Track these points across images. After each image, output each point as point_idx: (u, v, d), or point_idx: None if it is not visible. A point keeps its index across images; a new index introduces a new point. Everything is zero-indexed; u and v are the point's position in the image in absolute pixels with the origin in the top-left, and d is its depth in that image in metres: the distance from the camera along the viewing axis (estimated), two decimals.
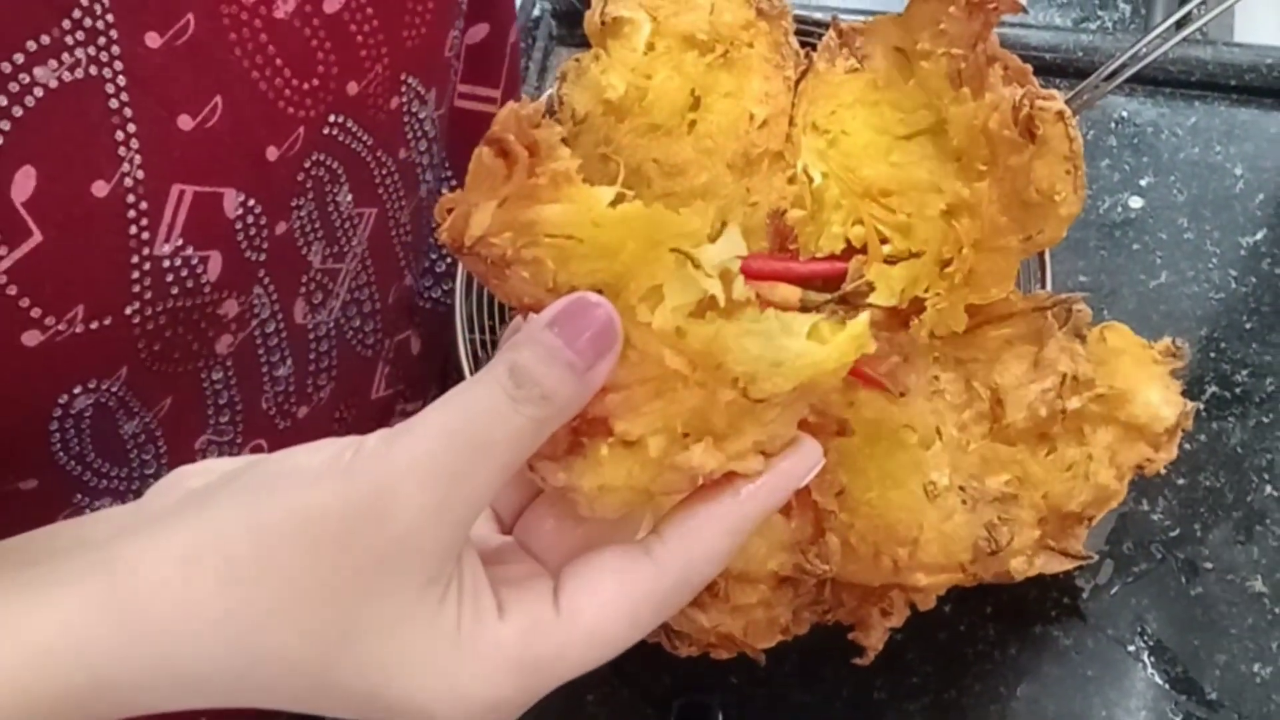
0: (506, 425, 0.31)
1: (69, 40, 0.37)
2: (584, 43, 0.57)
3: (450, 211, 0.32)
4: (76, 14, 0.37)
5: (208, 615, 0.30)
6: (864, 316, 0.34)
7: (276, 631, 0.30)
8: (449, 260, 0.62)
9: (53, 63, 0.37)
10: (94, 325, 0.41)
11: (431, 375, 0.65)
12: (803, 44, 0.58)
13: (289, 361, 0.52)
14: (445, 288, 0.63)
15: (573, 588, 0.33)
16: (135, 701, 0.31)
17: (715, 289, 0.33)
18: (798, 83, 0.58)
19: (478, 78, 0.63)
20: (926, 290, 0.54)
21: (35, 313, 0.39)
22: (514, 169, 0.32)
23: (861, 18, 0.57)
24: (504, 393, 0.31)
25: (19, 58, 0.36)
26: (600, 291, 0.32)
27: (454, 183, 0.62)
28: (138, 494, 0.49)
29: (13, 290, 0.38)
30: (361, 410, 0.59)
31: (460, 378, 0.57)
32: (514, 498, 0.37)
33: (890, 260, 0.55)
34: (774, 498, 0.35)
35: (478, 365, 0.56)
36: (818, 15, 0.60)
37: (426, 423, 0.31)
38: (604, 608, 0.32)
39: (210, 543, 0.30)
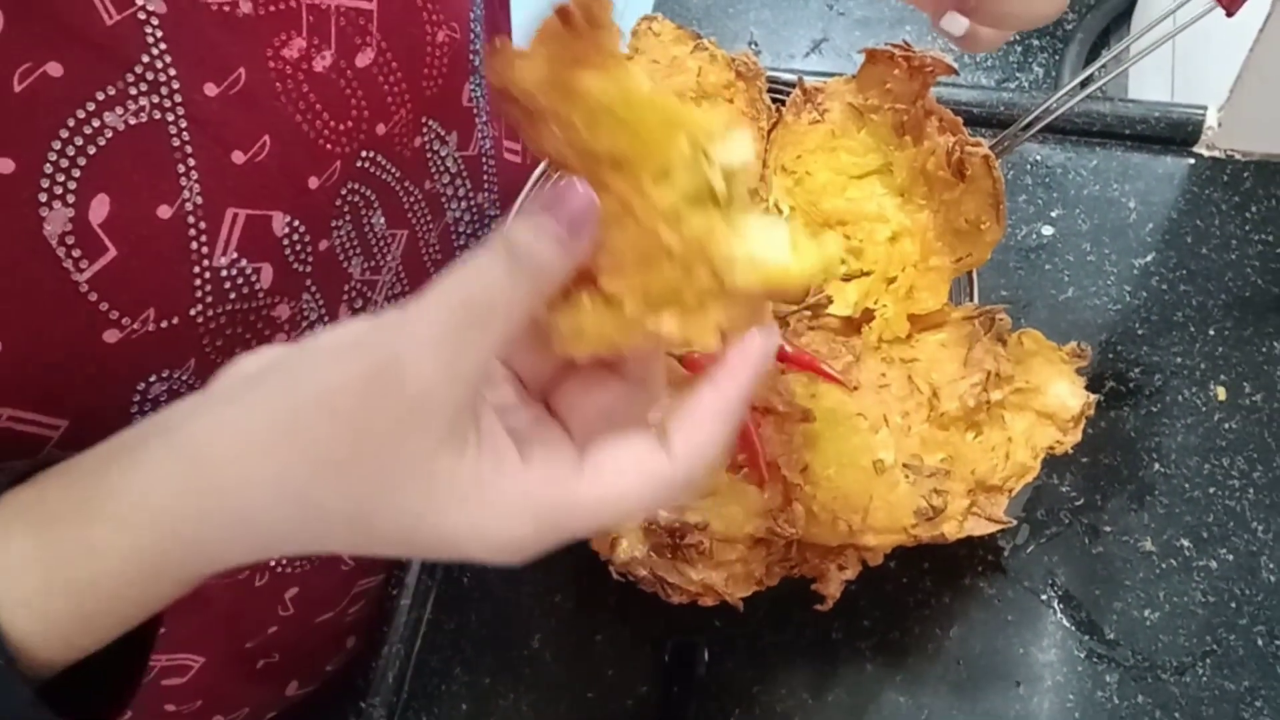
0: (505, 292, 0.29)
1: (133, 90, 0.37)
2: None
3: (500, 53, 0.31)
4: (139, 69, 0.37)
5: (263, 479, 0.29)
6: (838, 240, 0.32)
7: (319, 490, 0.29)
8: None
9: (119, 109, 0.37)
10: (164, 325, 0.41)
11: None
12: (774, 100, 0.59)
13: None
14: None
15: (596, 454, 0.32)
16: (215, 556, 0.31)
17: (718, 182, 0.31)
18: (769, 132, 0.58)
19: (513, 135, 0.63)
20: (875, 302, 0.55)
21: (113, 315, 0.39)
22: (573, 35, 0.30)
23: (822, 79, 0.58)
24: (502, 265, 0.29)
25: (90, 105, 0.36)
26: (618, 162, 0.31)
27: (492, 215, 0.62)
28: None
29: (93, 296, 0.38)
30: None
31: None
32: (545, 369, 0.34)
33: (846, 278, 0.55)
34: (748, 379, 0.33)
35: None
36: (786, 76, 0.60)
37: (433, 297, 0.29)
38: (622, 476, 0.31)
39: (259, 420, 0.29)
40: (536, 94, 0.31)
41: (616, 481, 0.31)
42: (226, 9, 0.40)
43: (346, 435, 0.29)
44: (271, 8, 0.41)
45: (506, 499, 0.30)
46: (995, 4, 0.43)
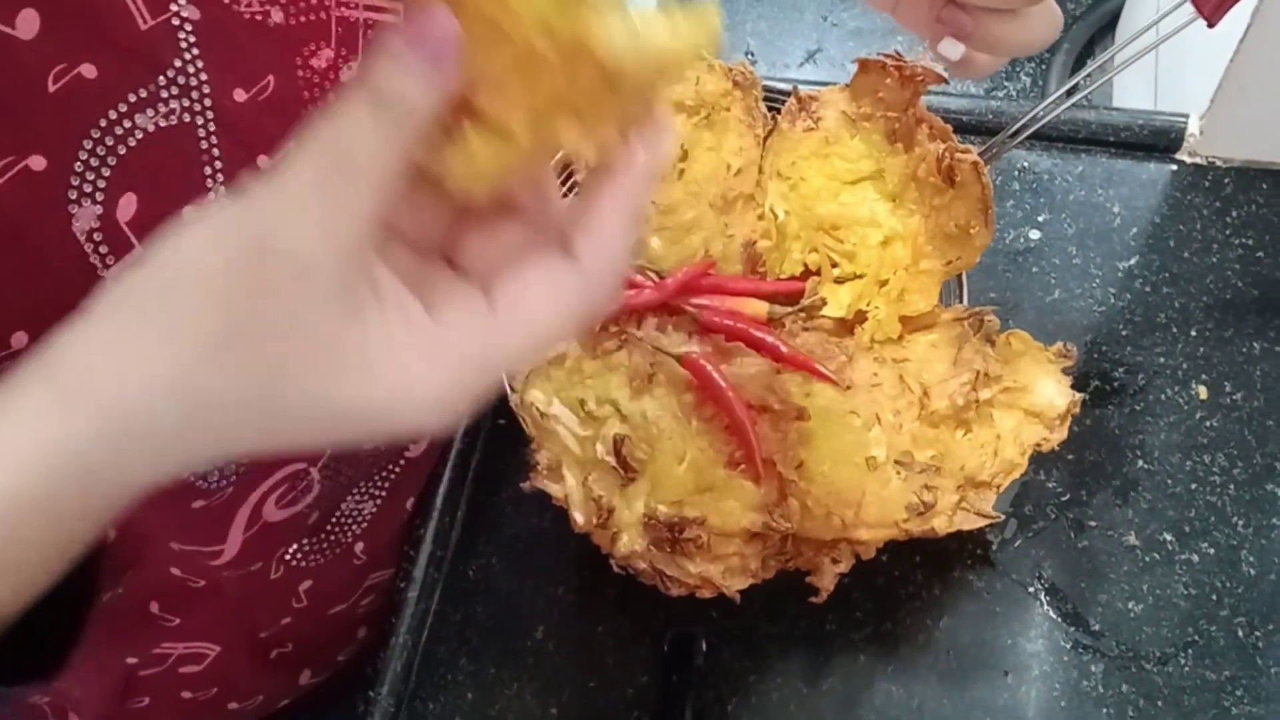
0: (373, 138, 0.27)
1: (164, 94, 0.37)
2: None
3: None
4: (170, 73, 0.37)
5: (148, 384, 0.27)
6: (716, 11, 0.30)
7: (212, 381, 0.27)
8: None
9: (150, 111, 0.37)
10: None
11: None
12: (770, 108, 0.59)
13: None
14: None
15: (505, 288, 0.29)
16: (119, 479, 0.28)
17: None
18: (765, 139, 0.58)
19: None
20: (868, 304, 0.55)
21: None
22: None
23: (816, 88, 0.58)
24: (365, 110, 0.27)
25: (122, 107, 0.36)
26: None
27: None
28: (228, 463, 0.49)
29: None
30: None
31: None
32: (435, 227, 0.32)
33: (839, 281, 0.55)
34: (650, 179, 0.30)
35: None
36: (781, 85, 0.60)
37: (298, 157, 0.27)
38: (536, 301, 0.29)
39: (135, 326, 0.27)
40: None
41: (530, 305, 0.29)
42: (259, 18, 0.40)
43: (230, 315, 0.26)
44: (302, 18, 0.41)
45: (422, 354, 0.28)
46: (991, 31, 0.43)
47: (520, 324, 0.29)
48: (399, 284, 0.29)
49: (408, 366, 0.28)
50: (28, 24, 0.33)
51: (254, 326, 0.26)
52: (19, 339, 0.36)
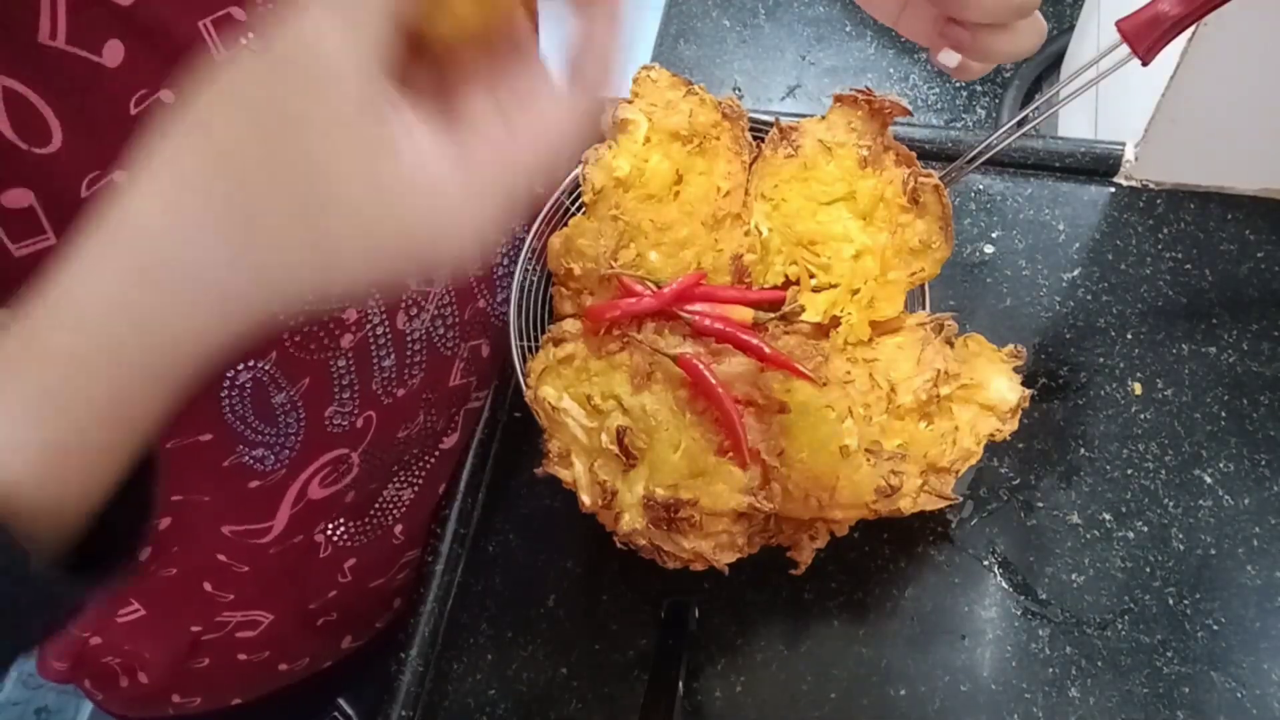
0: None
1: None
2: (600, 137, 0.58)
3: None
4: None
5: (197, 219, 0.25)
6: None
7: (258, 205, 0.25)
8: (508, 289, 0.63)
9: None
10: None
11: (494, 371, 0.65)
12: (755, 137, 0.59)
13: (392, 356, 0.51)
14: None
15: (518, 105, 0.28)
16: (179, 334, 0.26)
17: None
18: (751, 165, 0.58)
19: None
20: (841, 311, 0.55)
21: None
22: None
23: (796, 119, 0.58)
24: None
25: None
26: None
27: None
28: (282, 449, 0.49)
29: None
30: (442, 394, 0.58)
31: (514, 373, 0.57)
32: (433, 84, 0.29)
33: (816, 290, 0.55)
34: (622, 10, 0.29)
35: (526, 363, 0.56)
36: (765, 117, 0.60)
37: None
38: (546, 117, 0.28)
39: (179, 164, 0.25)
40: None
41: (541, 121, 0.28)
42: None
43: (266, 124, 0.24)
44: None
45: (447, 158, 0.26)
46: (984, 43, 0.43)
47: (534, 136, 0.28)
48: (420, 103, 0.27)
49: (435, 166, 0.26)
50: (113, 53, 0.33)
51: (291, 132, 0.24)
52: None
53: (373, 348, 0.50)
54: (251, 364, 0.42)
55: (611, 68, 0.29)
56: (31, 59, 0.31)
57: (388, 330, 0.50)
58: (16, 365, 0.25)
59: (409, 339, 0.52)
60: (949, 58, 0.45)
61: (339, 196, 0.25)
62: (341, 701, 0.82)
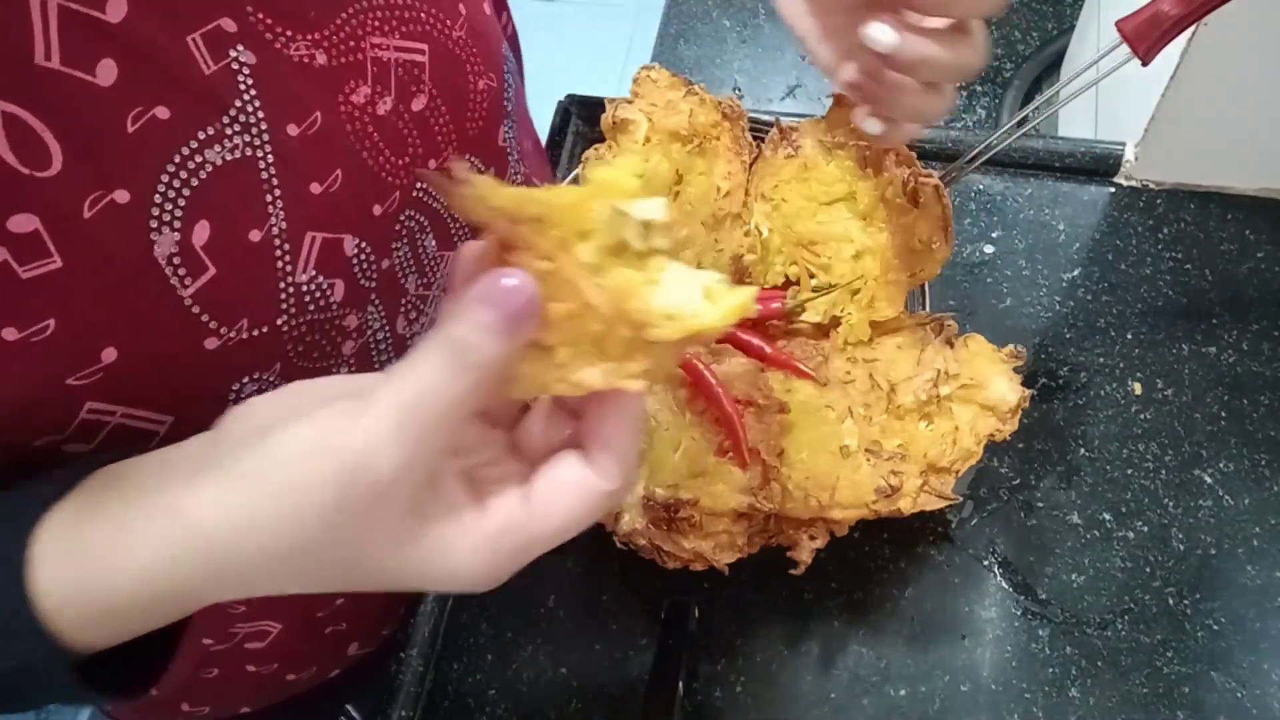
0: (452, 391, 0.28)
1: (228, 130, 0.37)
2: (601, 137, 0.58)
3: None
4: (233, 111, 0.37)
5: (257, 554, 0.29)
6: (751, 289, 0.31)
7: (308, 561, 0.30)
8: None
9: (217, 147, 0.37)
10: (255, 333, 0.40)
11: None
12: (755, 137, 0.59)
13: (393, 359, 0.51)
14: None
15: (543, 489, 0.31)
16: (206, 600, 0.31)
17: (635, 236, 0.30)
18: (751, 165, 0.58)
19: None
20: (842, 311, 0.55)
21: (213, 325, 0.39)
22: None
23: (796, 119, 0.58)
24: (446, 364, 0.28)
25: (193, 143, 0.36)
26: (542, 222, 0.29)
27: None
28: None
29: (196, 309, 0.38)
30: None
31: None
32: (508, 405, 0.34)
33: (816, 290, 0.55)
34: (638, 425, 0.32)
35: None
36: (765, 117, 0.60)
37: (385, 404, 0.28)
38: (565, 500, 0.31)
39: (251, 505, 0.29)
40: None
41: (559, 503, 0.31)
42: (306, 60, 0.40)
43: (327, 521, 0.29)
44: (342, 59, 0.41)
45: (467, 547, 0.31)
46: (906, 105, 0.44)
47: (550, 518, 0.31)
48: (458, 486, 0.32)
49: (455, 554, 0.31)
50: (107, 72, 0.33)
51: (346, 533, 0.29)
52: (109, 354, 0.36)
53: (374, 353, 0.50)
54: (257, 375, 0.42)
55: (630, 464, 0.32)
56: (29, 82, 0.31)
57: (389, 335, 0.50)
58: (82, 575, 0.30)
59: (410, 344, 0.52)
60: (874, 125, 0.46)
61: (372, 571, 0.31)
62: (350, 708, 0.82)
